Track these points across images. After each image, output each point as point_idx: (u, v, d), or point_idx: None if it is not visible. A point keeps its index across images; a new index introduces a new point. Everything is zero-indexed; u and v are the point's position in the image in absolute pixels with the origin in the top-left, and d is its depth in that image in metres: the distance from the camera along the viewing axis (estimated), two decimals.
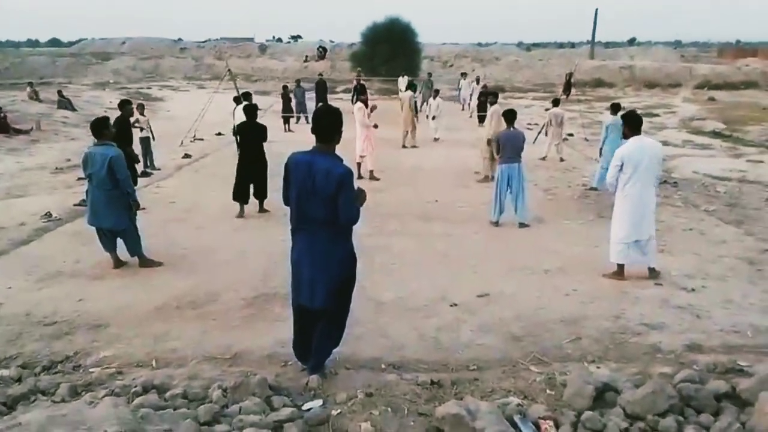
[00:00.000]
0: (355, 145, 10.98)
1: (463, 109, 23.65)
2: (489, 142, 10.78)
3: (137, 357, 4.48)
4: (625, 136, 5.98)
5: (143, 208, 7.50)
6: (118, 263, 6.48)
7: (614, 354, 4.56)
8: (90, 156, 6.21)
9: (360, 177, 11.15)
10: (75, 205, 8.92)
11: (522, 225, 8.09)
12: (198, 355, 4.51)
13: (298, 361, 4.27)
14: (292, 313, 4.20)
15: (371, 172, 11.27)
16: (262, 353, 4.53)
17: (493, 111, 10.77)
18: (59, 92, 22.07)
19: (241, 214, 8.64)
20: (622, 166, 5.82)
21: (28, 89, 22.56)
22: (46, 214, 8.46)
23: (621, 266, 6.13)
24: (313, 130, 3.72)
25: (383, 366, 4.34)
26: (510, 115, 8.27)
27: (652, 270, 6.13)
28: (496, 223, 8.19)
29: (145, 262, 6.50)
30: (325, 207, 3.65)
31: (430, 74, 25.89)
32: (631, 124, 5.89)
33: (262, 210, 8.83)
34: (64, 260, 6.68)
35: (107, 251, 6.48)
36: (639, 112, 6.67)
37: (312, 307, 3.94)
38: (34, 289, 5.88)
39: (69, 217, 8.45)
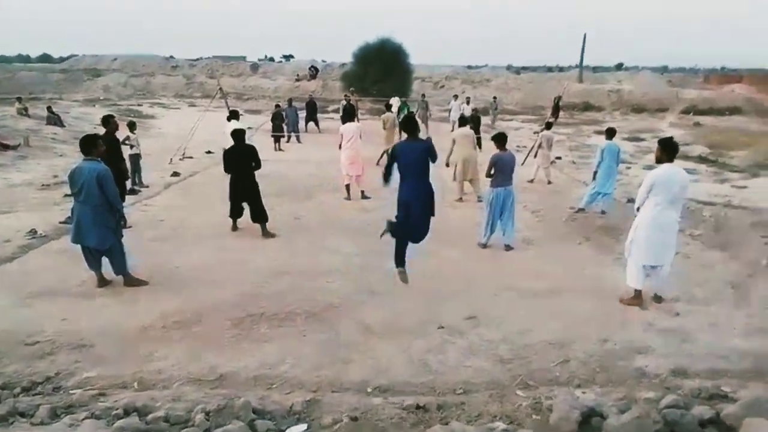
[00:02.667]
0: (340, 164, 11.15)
1: (452, 130, 23.77)
2: (447, 164, 10.91)
3: (121, 378, 4.42)
4: (659, 161, 5.95)
5: (130, 226, 7.44)
6: (103, 282, 6.42)
7: (601, 377, 4.57)
8: (78, 171, 6.15)
9: (348, 198, 11.15)
10: (61, 222, 8.83)
11: (508, 248, 8.13)
12: (182, 376, 4.46)
13: (396, 267, 6.30)
14: (398, 235, 6.29)
15: (363, 192, 11.25)
16: (248, 375, 4.50)
17: (459, 134, 11.12)
18: (48, 108, 21.97)
19: (234, 228, 8.90)
20: (651, 189, 5.83)
21: (17, 104, 22.47)
22: (31, 231, 8.37)
23: (639, 291, 6.14)
24: (405, 129, 6.22)
25: (369, 389, 4.32)
26: (501, 138, 8.33)
27: (657, 297, 6.17)
28: (485, 246, 8.22)
29: (131, 281, 6.44)
30: (418, 164, 5.91)
31: (423, 95, 26.02)
32: (669, 150, 5.89)
33: (266, 234, 8.59)
34: (49, 278, 6.60)
35: (92, 270, 6.41)
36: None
37: (416, 223, 6.19)
38: (17, 307, 5.80)
39: (55, 235, 8.36)
